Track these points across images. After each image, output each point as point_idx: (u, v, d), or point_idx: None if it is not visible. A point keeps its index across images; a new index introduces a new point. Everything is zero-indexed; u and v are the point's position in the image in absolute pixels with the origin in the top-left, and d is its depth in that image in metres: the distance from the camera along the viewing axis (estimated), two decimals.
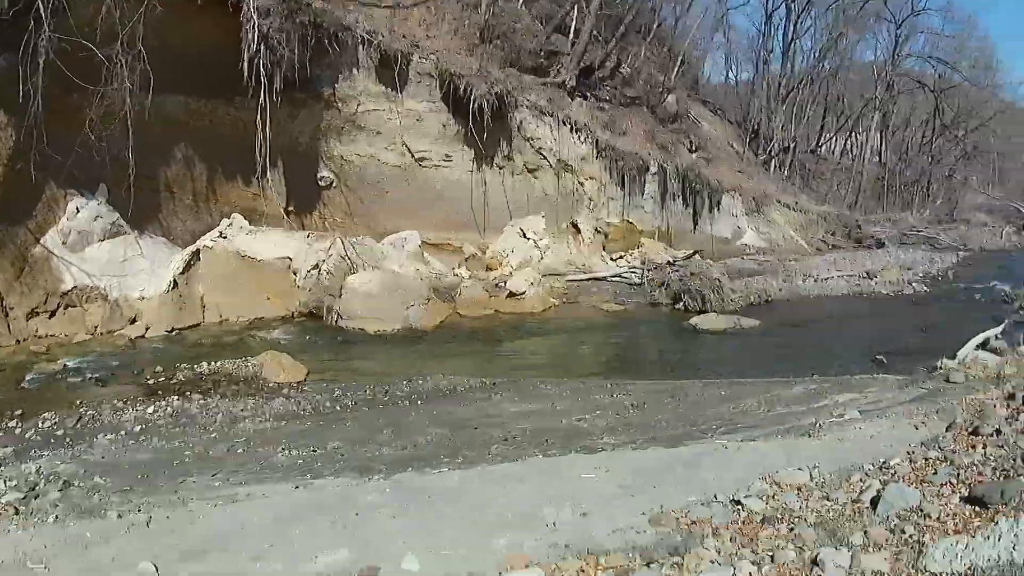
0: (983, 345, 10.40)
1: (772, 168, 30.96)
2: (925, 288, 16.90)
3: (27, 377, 8.12)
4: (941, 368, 8.85)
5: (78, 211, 10.24)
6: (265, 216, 13.39)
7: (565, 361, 10.41)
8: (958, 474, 4.05)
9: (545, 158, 17.17)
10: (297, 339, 10.38)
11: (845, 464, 4.63)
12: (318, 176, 14.67)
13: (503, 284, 13.53)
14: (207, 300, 11.07)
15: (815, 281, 17.23)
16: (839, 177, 37.09)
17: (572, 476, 4.86)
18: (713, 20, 33.14)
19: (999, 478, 3.89)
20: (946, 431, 5.18)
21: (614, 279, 15.78)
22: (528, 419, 6.85)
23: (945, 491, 3.85)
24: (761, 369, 9.46)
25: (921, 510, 3.61)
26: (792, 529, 3.66)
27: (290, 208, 14.07)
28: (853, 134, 42.43)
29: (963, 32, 42.24)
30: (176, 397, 7.45)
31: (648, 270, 15.76)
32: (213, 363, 8.70)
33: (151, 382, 8.12)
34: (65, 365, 8.52)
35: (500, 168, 16.57)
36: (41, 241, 9.89)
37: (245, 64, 11.79)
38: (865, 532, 3.44)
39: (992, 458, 4.22)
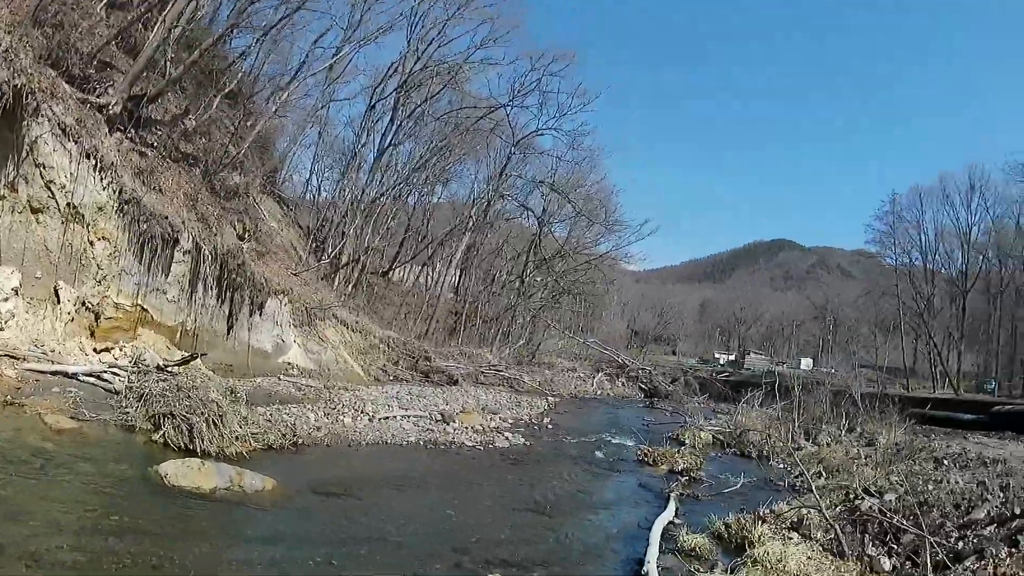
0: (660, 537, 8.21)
1: (336, 283, 26.39)
2: (522, 440, 13.69)
3: None
4: None
5: None
6: None
7: None
8: None
9: (55, 198, 12.23)
10: None
11: None
12: None
13: None
14: None
15: (370, 420, 13.40)
16: (411, 305, 32.73)
17: None
18: (312, 108, 28.53)
19: None
20: None
21: (87, 379, 10.79)
22: None
23: None
24: None
25: None
26: None
27: None
28: (435, 259, 37.38)
29: (583, 164, 38.08)
30: None
31: (131, 374, 10.84)
32: None
33: None
34: None
35: (1, 198, 11.44)
36: None
37: None
38: None
39: None
